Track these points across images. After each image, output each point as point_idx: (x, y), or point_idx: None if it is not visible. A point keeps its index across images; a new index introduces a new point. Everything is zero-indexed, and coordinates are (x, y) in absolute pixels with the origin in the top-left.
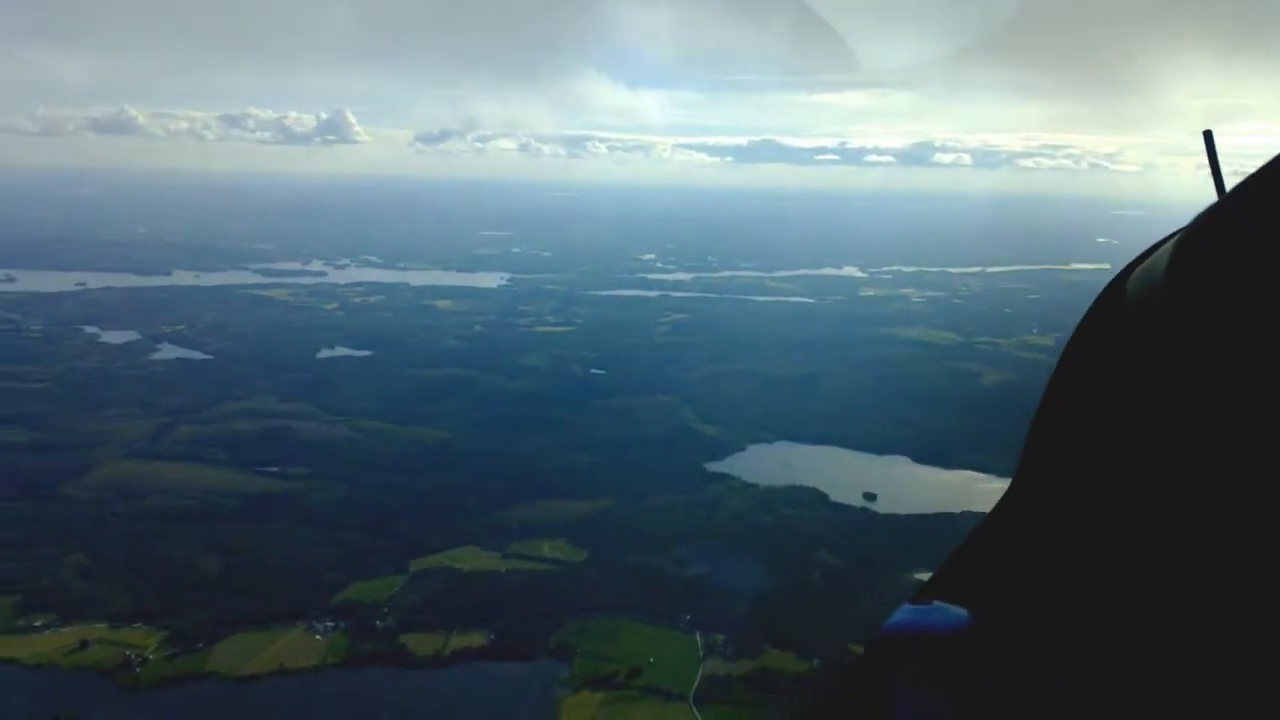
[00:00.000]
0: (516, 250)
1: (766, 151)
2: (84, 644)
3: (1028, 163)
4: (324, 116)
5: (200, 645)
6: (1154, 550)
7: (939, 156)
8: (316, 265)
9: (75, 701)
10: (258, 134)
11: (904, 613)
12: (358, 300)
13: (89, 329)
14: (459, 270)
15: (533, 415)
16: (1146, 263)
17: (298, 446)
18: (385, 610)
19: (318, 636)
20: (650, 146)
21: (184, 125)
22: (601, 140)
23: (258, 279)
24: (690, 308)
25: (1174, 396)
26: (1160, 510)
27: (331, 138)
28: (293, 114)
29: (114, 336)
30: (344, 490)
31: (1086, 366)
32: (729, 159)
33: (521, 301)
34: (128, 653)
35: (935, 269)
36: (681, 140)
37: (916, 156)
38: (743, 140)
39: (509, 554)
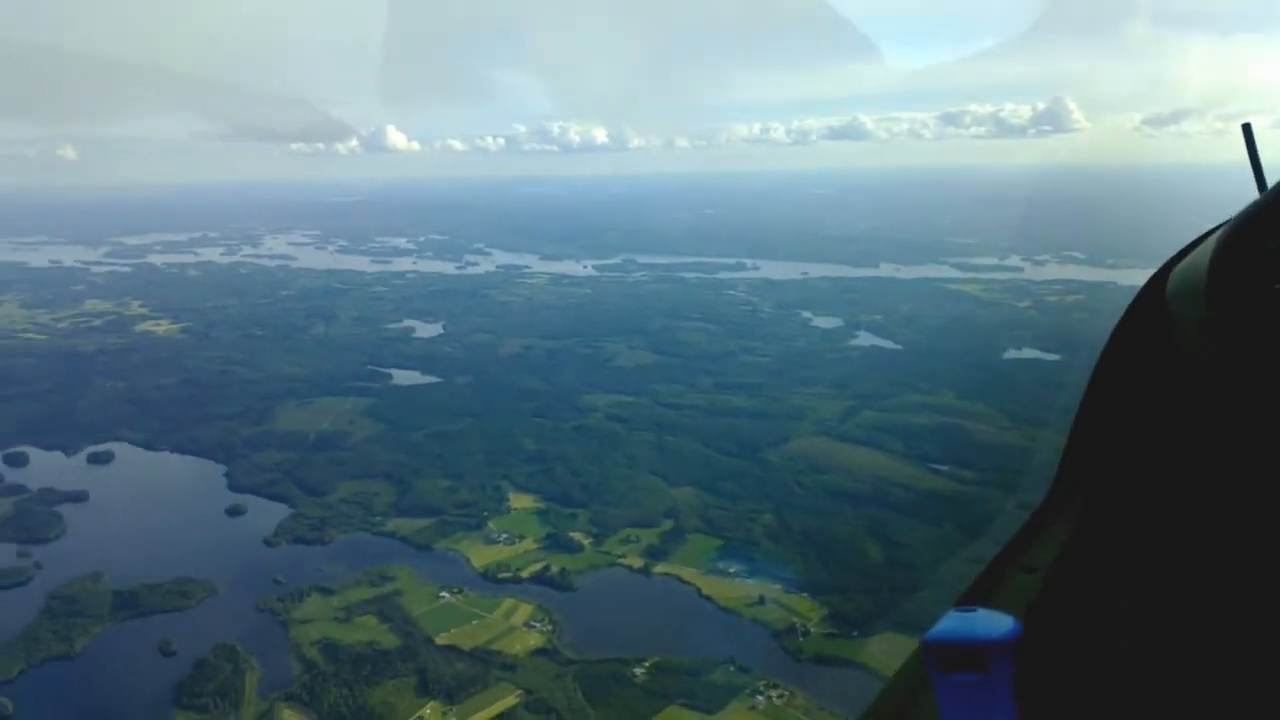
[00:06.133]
0: None
1: None
2: (761, 600)
3: None
4: (1041, 106)
5: (855, 633)
6: (1198, 553)
7: None
8: (1013, 260)
9: (745, 653)
10: (973, 129)
11: (949, 620)
12: (1053, 299)
13: (804, 313)
14: None
15: None
16: (1187, 259)
17: (971, 448)
18: None
19: None
20: None
21: (904, 126)
22: None
23: (953, 273)
24: None
25: (1215, 399)
26: (1195, 509)
27: (1047, 127)
28: (1009, 106)
29: (823, 322)
30: (1013, 506)
31: (1127, 366)
32: None
33: None
34: (794, 620)
35: None
36: None
37: None
38: None
39: None
